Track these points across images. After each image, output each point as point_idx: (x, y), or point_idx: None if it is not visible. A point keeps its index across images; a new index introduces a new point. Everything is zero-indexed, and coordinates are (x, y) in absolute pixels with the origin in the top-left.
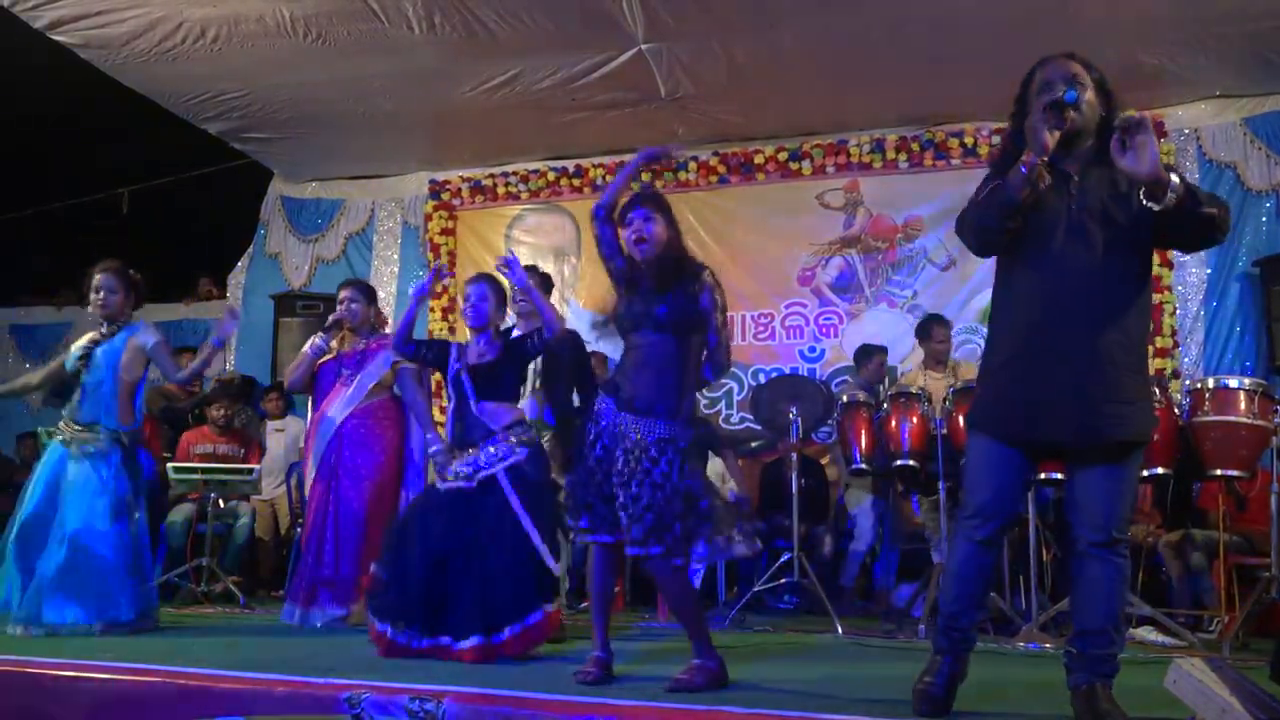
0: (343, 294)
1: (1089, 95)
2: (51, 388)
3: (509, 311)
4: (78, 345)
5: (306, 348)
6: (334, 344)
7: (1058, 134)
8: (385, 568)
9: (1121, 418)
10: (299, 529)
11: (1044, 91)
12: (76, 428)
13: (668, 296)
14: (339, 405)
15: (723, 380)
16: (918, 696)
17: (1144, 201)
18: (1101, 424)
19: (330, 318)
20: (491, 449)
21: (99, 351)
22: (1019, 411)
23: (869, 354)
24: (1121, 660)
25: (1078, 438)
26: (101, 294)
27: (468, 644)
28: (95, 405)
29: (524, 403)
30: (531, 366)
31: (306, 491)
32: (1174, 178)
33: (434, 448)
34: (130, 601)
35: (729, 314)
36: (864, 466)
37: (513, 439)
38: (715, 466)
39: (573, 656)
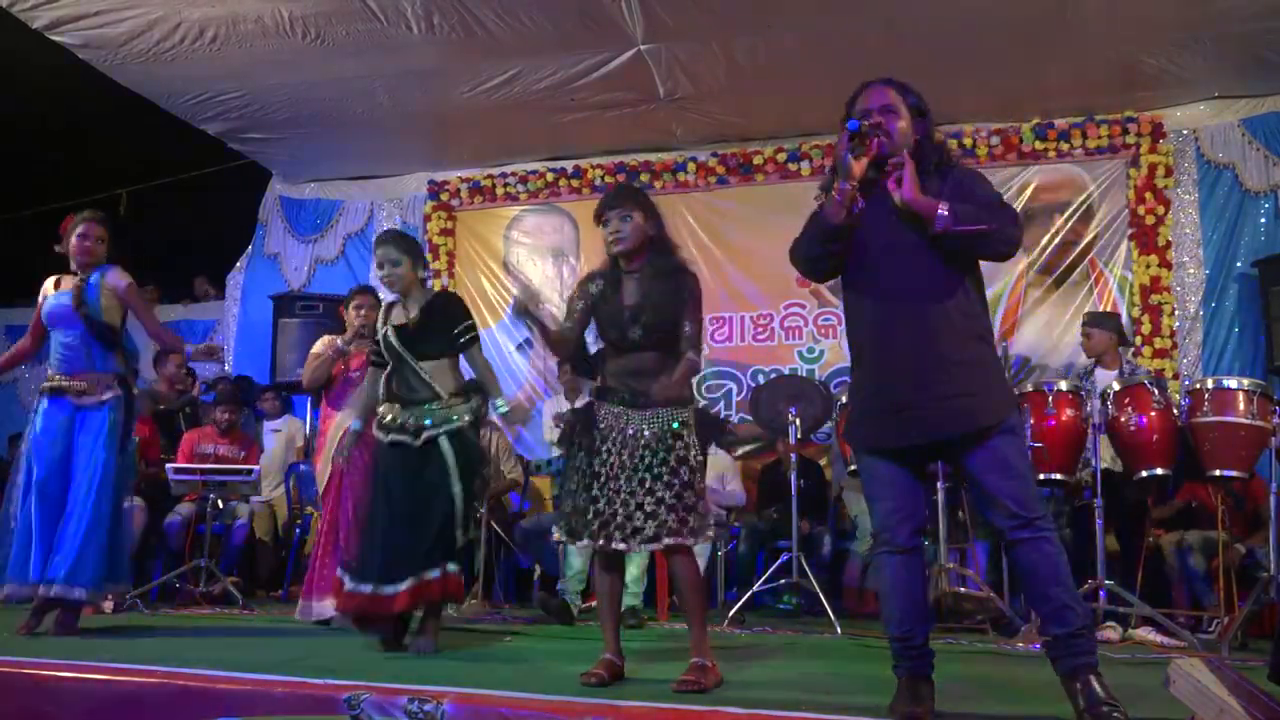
0: (360, 300)
1: (901, 123)
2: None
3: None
4: (53, 297)
5: (325, 349)
6: (351, 348)
7: (864, 160)
8: (358, 531)
9: (967, 411)
10: (298, 529)
11: (859, 118)
12: (68, 379)
13: (649, 306)
14: (351, 408)
15: (722, 382)
16: None
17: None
18: (949, 421)
19: (355, 330)
20: (437, 411)
21: (56, 305)
22: (881, 423)
23: None
24: (1120, 661)
25: (932, 438)
26: (89, 241)
27: (404, 587)
28: (81, 353)
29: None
30: None
31: (320, 487)
32: (942, 208)
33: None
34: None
35: (729, 315)
36: None
37: (456, 405)
38: (715, 468)
39: (574, 656)
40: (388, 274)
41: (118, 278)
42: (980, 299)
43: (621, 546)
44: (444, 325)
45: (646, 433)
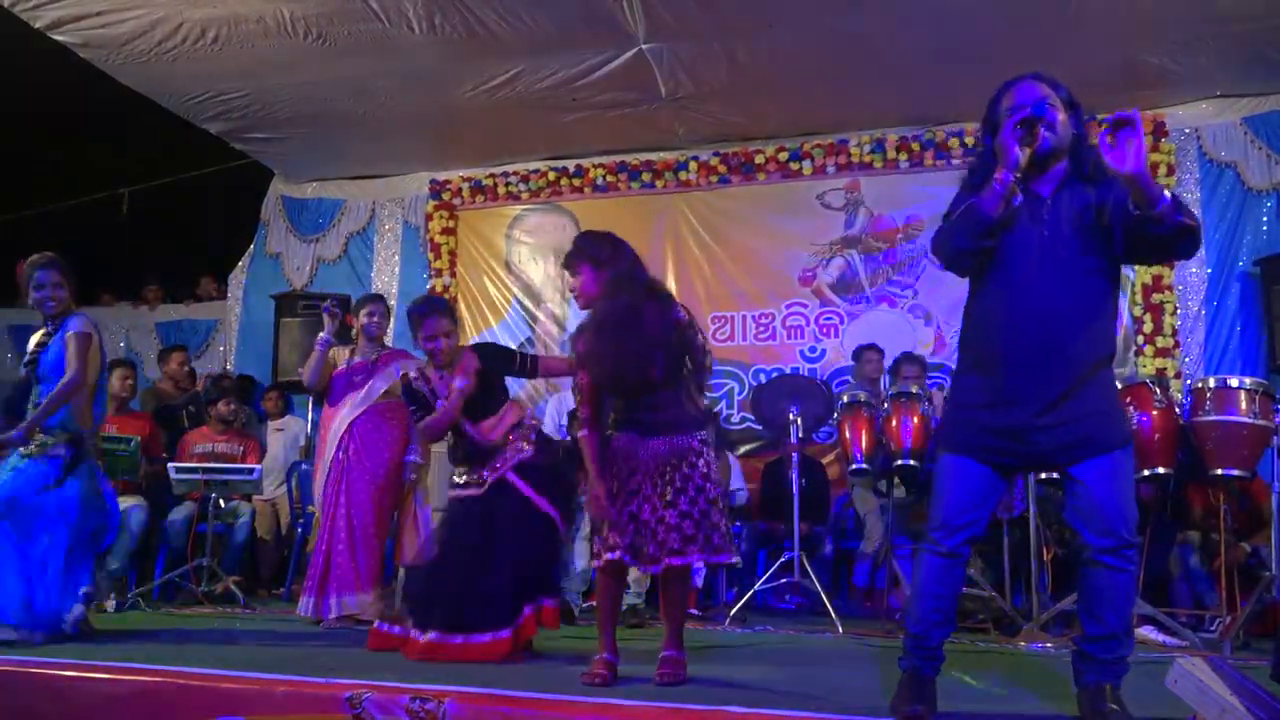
0: (372, 308)
1: (1061, 116)
2: (5, 405)
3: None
4: (27, 353)
5: (316, 345)
6: (344, 352)
7: (1029, 150)
8: (418, 579)
9: (1096, 435)
10: (300, 528)
11: (1015, 111)
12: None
13: (651, 353)
14: (350, 407)
15: (723, 381)
16: None
17: (1132, 208)
18: (1075, 447)
19: (332, 329)
20: (500, 458)
21: (44, 358)
22: (989, 440)
23: (861, 353)
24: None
25: (1044, 462)
26: (46, 290)
27: (488, 637)
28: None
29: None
30: None
31: (317, 489)
32: (1166, 190)
33: (410, 456)
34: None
35: (731, 314)
36: (865, 466)
37: (517, 440)
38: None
39: (576, 657)
40: (444, 348)
41: (75, 323)
42: (1115, 326)
43: (654, 566)
44: (494, 379)
45: (665, 450)
